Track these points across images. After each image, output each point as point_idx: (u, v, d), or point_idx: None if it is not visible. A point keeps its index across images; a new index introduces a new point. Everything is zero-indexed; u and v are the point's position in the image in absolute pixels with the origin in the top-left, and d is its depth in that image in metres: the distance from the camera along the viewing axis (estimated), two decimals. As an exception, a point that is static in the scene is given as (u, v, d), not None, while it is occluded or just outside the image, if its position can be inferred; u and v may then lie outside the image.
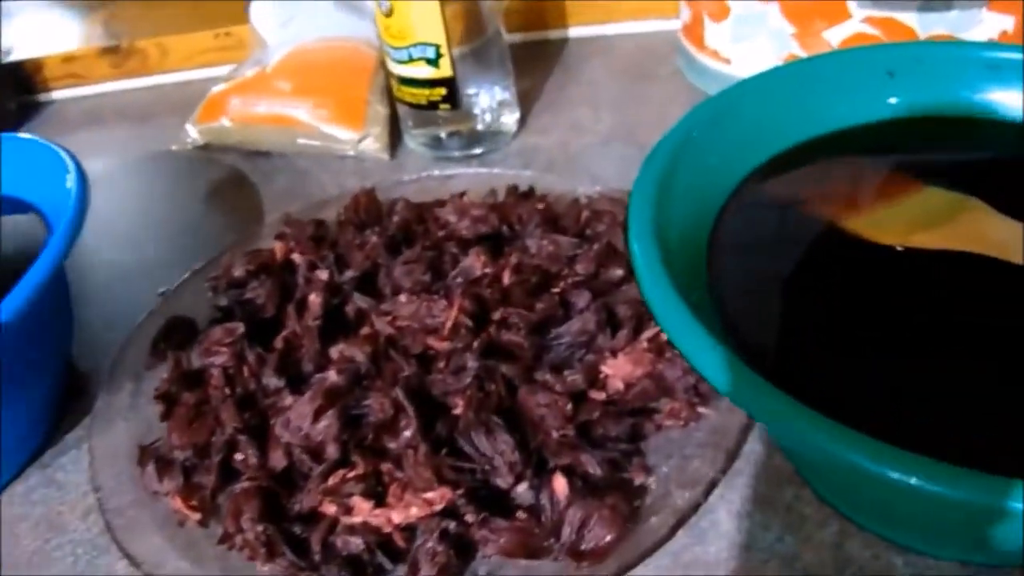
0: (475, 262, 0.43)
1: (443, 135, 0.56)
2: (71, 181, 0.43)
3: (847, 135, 0.41)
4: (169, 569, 0.36)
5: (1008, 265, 0.33)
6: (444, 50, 0.52)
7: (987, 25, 0.56)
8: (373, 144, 0.57)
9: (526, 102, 0.60)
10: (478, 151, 0.56)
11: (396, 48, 0.52)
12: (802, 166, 0.39)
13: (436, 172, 0.53)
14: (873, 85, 0.42)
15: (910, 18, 0.55)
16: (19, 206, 0.46)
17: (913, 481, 0.23)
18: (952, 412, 0.29)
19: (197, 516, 0.38)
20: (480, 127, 0.56)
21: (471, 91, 0.55)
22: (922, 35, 0.56)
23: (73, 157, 0.44)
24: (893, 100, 0.41)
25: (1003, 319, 0.32)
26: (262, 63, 0.60)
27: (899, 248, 0.35)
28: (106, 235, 0.56)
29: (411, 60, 0.52)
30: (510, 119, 0.57)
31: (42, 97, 0.72)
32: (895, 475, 0.23)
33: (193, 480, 0.38)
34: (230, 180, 0.58)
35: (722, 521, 0.35)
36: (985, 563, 0.32)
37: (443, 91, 0.53)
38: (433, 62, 0.52)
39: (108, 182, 0.60)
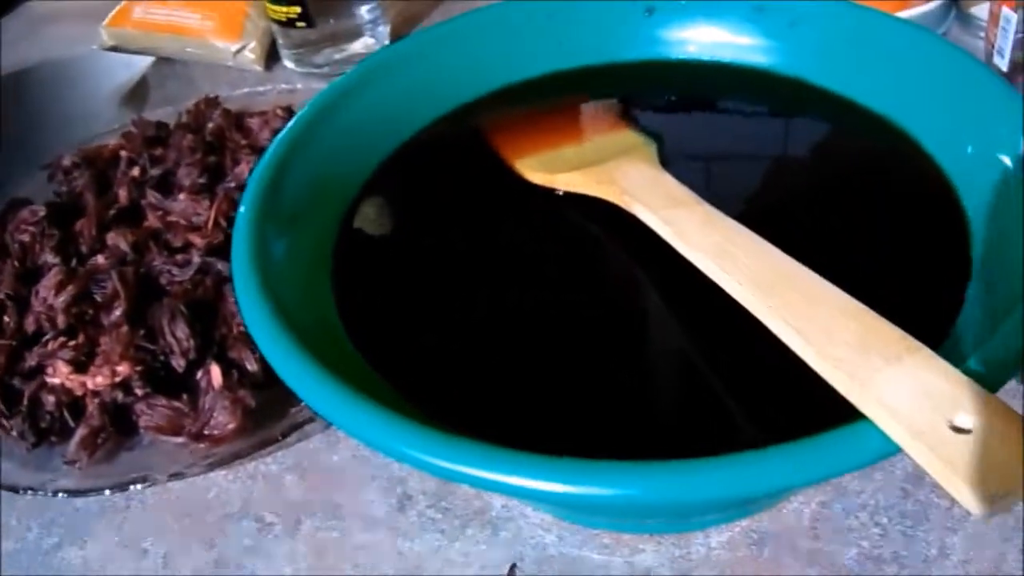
0: (245, 169, 0.47)
1: (308, 52, 0.59)
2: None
3: (564, 77, 0.42)
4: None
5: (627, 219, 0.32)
6: (296, -31, 0.55)
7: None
8: (249, 55, 0.61)
9: (405, 26, 0.62)
10: (341, 70, 0.59)
11: (258, -35, 0.56)
12: (493, 113, 0.40)
13: (283, 86, 0.56)
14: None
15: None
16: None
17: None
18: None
19: (-42, 367, 0.44)
20: (342, 47, 0.59)
21: (333, 12, 0.57)
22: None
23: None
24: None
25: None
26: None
27: (559, 193, 0.36)
28: (22, 120, 0.62)
29: (269, -22, 0.56)
30: (373, 41, 0.60)
31: (22, -7, 0.79)
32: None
33: (-32, 337, 0.44)
34: (132, 81, 0.63)
35: (357, 434, 0.38)
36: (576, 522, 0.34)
37: (298, 9, 0.56)
38: (286, -19, 0.55)
39: (42, 73, 0.67)
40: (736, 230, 0.29)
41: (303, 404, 0.38)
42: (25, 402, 0.40)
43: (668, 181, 0.33)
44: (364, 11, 0.58)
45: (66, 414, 0.39)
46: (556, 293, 0.33)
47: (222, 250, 0.43)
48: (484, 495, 0.35)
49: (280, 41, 0.60)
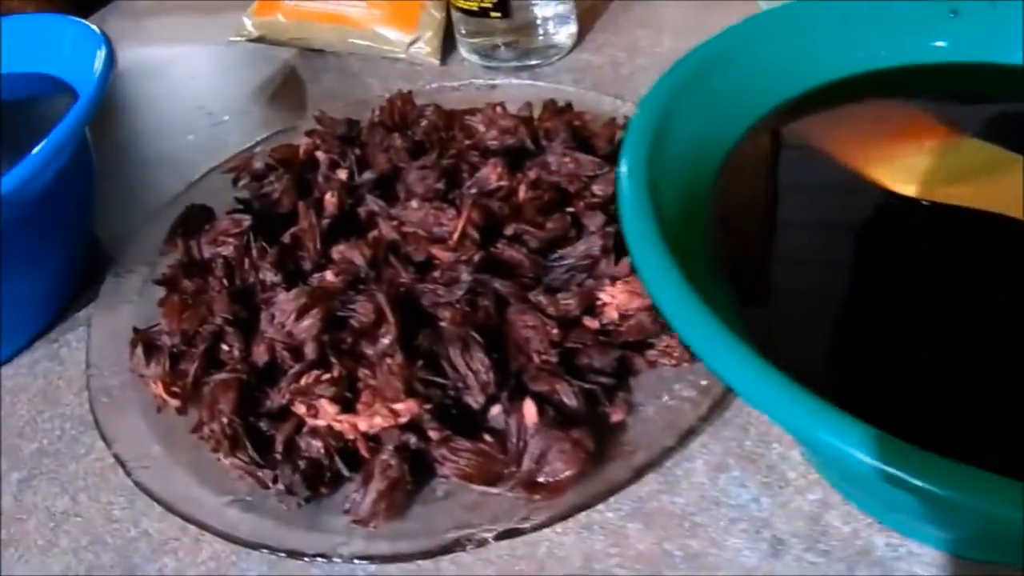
0: (491, 173, 0.41)
1: (495, 44, 0.53)
2: (101, 56, 0.43)
3: (885, 77, 0.37)
4: (138, 451, 0.36)
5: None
6: (497, -47, 0.49)
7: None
8: (424, 48, 0.55)
9: (588, 18, 0.57)
10: (529, 63, 0.54)
11: (450, -51, 0.50)
12: (829, 107, 0.35)
13: (480, 81, 0.50)
14: (923, 25, 0.37)
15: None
16: (59, 86, 0.46)
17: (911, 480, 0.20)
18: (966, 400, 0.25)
19: (176, 403, 0.37)
20: (533, 39, 0.53)
21: (526, 1, 0.52)
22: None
23: (103, 34, 0.44)
24: (941, 43, 0.36)
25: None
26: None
27: (924, 203, 0.31)
28: (152, 120, 0.56)
29: (464, -38, 0.50)
30: (565, 33, 0.54)
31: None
32: (888, 469, 0.20)
33: (179, 367, 0.38)
34: (280, 76, 0.57)
35: (697, 472, 0.32)
36: (976, 558, 0.29)
37: (494, -3, 0.51)
38: (485, -35, 0.49)
39: (163, 69, 0.60)
40: None
41: (632, 442, 0.33)
42: (281, 448, 0.34)
43: None
44: (554, 4, 0.53)
45: (338, 462, 0.33)
46: (955, 303, 0.29)
47: (484, 266, 0.37)
48: (863, 533, 0.30)
49: (463, 32, 0.54)
